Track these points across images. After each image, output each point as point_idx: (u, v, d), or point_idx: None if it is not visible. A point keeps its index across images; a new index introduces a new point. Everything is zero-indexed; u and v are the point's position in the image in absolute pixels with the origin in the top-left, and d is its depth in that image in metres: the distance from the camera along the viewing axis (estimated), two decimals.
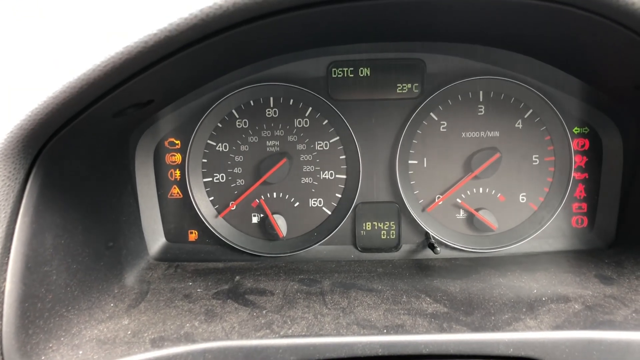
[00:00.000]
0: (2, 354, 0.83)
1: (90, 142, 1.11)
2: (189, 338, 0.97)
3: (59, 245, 0.99)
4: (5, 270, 0.86)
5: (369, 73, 1.47)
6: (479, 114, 1.48)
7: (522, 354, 0.94)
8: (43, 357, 0.89)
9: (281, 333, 0.98)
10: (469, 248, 1.48)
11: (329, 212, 1.53)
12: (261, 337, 0.96)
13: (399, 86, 1.47)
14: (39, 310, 0.92)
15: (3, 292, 0.85)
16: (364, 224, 1.53)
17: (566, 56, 1.27)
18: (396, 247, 1.52)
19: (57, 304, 0.97)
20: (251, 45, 1.07)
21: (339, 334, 0.97)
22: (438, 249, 1.41)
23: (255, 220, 1.53)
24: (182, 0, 0.75)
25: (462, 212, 1.52)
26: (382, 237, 1.53)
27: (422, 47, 1.45)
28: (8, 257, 0.86)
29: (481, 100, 1.47)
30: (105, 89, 0.83)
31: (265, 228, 1.50)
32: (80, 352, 0.93)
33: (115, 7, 0.85)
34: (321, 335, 0.97)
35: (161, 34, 0.73)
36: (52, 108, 0.81)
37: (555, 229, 1.51)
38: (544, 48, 1.27)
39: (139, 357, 0.91)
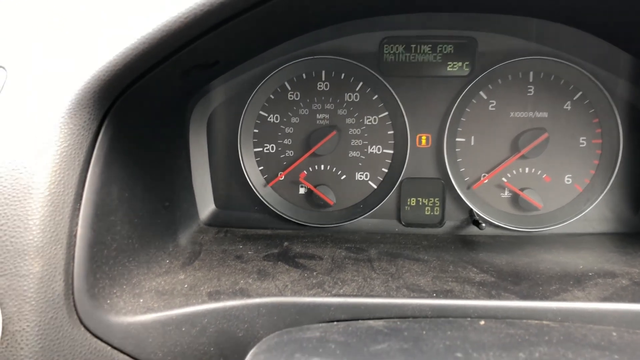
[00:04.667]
0: (73, 293, 0.87)
1: (154, 102, 1.15)
2: (244, 293, 1.00)
3: (123, 198, 1.03)
4: (78, 216, 0.89)
5: (420, 50, 1.48)
6: (528, 94, 1.48)
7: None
8: (108, 301, 0.93)
9: (333, 292, 1.00)
10: (513, 227, 1.49)
11: (375, 186, 1.55)
12: (313, 295, 0.99)
13: (450, 64, 1.48)
14: (105, 257, 0.95)
15: (75, 236, 0.88)
16: (408, 200, 1.55)
17: (620, 29, 1.27)
18: (440, 223, 1.54)
19: (120, 254, 1.01)
20: (310, 10, 1.09)
21: (389, 296, 0.99)
22: (483, 224, 1.42)
23: (302, 191, 1.56)
24: None
25: (507, 191, 1.53)
26: (427, 212, 1.55)
27: (474, 25, 1.46)
28: (80, 203, 0.89)
29: (531, 80, 1.48)
30: (183, 41, 0.85)
31: (313, 199, 1.53)
32: (141, 300, 0.97)
33: None
34: (372, 296, 0.98)
35: None
36: (130, 59, 0.84)
37: (599, 211, 1.51)
38: (599, 20, 1.27)
39: (197, 308, 0.95)
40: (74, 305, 0.87)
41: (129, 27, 0.84)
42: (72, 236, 0.88)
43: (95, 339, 0.88)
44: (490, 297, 0.99)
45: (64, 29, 0.93)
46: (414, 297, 0.99)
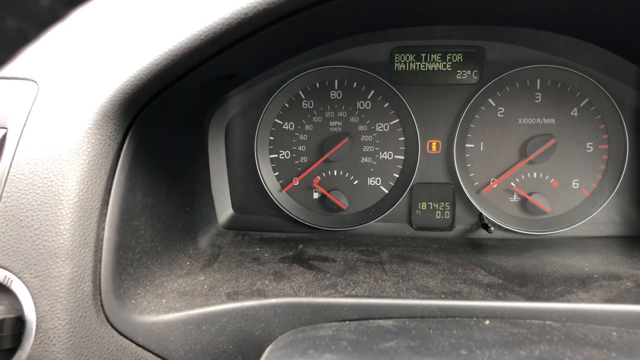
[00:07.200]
0: (100, 293, 0.92)
1: (175, 112, 1.20)
2: (261, 293, 1.04)
3: (146, 203, 1.08)
4: (104, 220, 0.94)
5: (430, 59, 1.52)
6: (536, 101, 1.51)
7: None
8: (133, 301, 0.98)
9: (345, 293, 1.04)
10: (522, 230, 1.52)
11: (387, 191, 1.59)
12: (327, 296, 1.02)
13: (459, 72, 1.52)
14: (129, 260, 1.00)
15: (102, 240, 0.93)
16: (419, 204, 1.58)
17: (625, 41, 1.30)
18: (450, 226, 1.58)
19: (144, 256, 1.06)
20: (326, 24, 1.14)
21: (399, 297, 1.02)
22: (492, 228, 1.45)
23: (316, 195, 1.60)
24: None
25: (515, 195, 1.56)
26: (437, 217, 1.58)
27: (481, 35, 1.50)
28: (106, 209, 0.95)
29: (538, 88, 1.51)
30: (202, 58, 0.90)
31: (327, 203, 1.57)
32: (164, 301, 1.01)
33: None
34: (383, 297, 1.02)
35: (260, 6, 0.81)
36: (154, 74, 0.89)
37: (606, 215, 1.53)
38: (603, 32, 1.29)
39: (216, 308, 0.99)
40: (102, 305, 0.92)
41: (151, 43, 0.89)
42: (99, 240, 0.93)
43: (121, 337, 0.93)
44: (497, 298, 1.02)
45: (90, 44, 0.99)
46: (423, 298, 1.02)
